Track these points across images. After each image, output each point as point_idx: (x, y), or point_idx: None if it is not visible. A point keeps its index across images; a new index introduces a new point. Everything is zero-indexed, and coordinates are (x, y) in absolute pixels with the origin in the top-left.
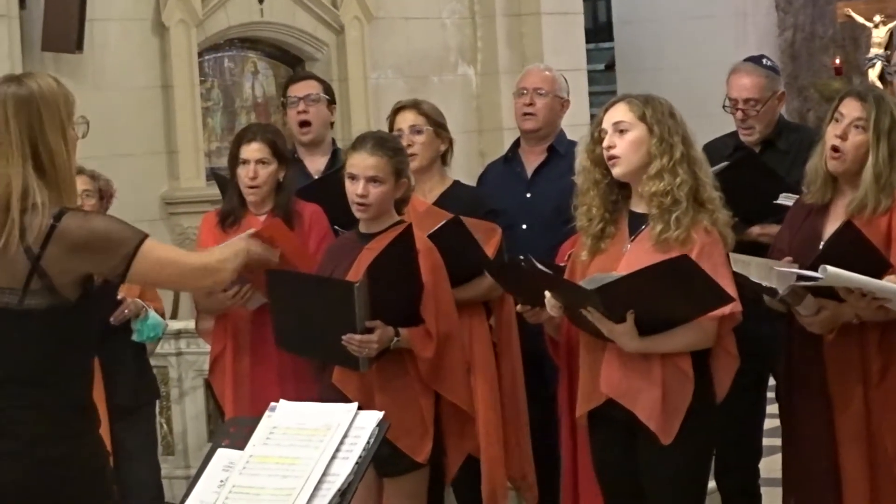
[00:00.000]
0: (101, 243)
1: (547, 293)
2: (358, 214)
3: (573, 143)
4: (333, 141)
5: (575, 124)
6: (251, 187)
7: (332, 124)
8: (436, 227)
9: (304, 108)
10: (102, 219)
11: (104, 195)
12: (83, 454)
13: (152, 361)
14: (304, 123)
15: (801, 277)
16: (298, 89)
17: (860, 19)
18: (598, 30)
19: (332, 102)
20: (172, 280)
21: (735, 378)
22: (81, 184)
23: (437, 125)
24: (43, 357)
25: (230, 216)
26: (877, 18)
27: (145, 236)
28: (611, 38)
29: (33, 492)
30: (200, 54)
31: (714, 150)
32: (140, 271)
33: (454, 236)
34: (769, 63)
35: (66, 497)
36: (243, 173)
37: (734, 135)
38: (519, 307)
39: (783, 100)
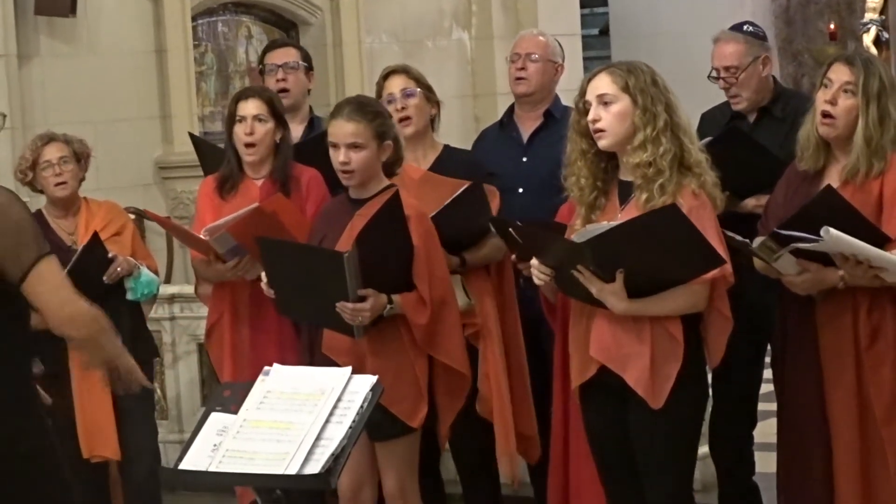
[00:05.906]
0: (13, 227)
1: (534, 260)
2: (344, 182)
3: (569, 109)
4: (311, 109)
5: (570, 89)
6: (248, 145)
7: (308, 91)
8: (456, 193)
9: (283, 76)
10: (20, 209)
11: (80, 157)
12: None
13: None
14: (282, 91)
15: (801, 239)
16: (276, 57)
17: None
18: None
19: (309, 69)
20: (61, 302)
21: (735, 350)
22: (56, 150)
23: (427, 88)
24: None
25: (228, 181)
26: None
27: (50, 251)
28: (605, 3)
29: None
30: (194, 18)
31: (711, 119)
32: (41, 279)
33: (473, 202)
34: (750, 29)
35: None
36: (240, 130)
37: (730, 103)
38: (514, 257)
39: (768, 64)
